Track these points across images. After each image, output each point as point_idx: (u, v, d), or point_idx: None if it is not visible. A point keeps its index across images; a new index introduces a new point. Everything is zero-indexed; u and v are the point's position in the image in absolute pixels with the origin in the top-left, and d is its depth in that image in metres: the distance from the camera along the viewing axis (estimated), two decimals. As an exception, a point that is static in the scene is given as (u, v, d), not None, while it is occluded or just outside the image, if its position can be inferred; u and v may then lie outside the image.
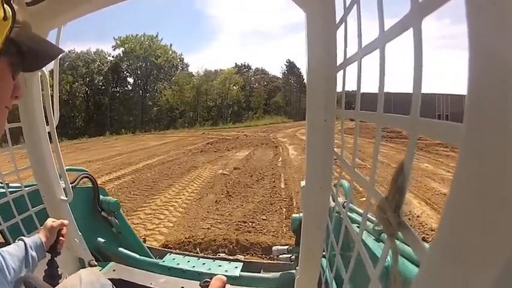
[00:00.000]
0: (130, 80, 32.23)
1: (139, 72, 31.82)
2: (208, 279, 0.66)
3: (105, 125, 28.33)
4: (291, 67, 36.00)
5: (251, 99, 33.94)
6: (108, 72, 30.44)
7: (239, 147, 13.33)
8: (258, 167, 8.84)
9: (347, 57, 0.61)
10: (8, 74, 0.53)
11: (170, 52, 32.71)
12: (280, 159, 10.20)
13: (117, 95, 31.44)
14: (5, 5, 0.45)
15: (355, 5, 0.52)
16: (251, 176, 7.63)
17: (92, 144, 18.01)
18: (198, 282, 0.68)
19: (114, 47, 31.15)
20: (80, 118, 28.83)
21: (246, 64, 36.26)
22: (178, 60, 33.82)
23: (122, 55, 31.18)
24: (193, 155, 11.57)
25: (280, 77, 36.85)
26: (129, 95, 31.69)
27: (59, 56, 1.40)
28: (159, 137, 21.13)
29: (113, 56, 31.34)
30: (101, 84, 30.70)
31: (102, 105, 30.18)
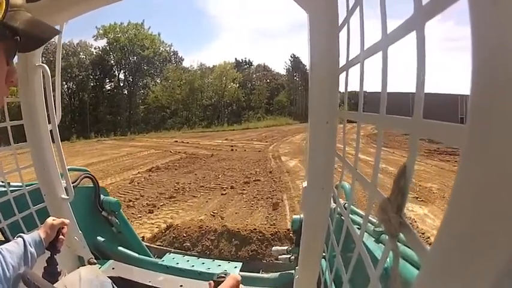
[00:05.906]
0: (116, 74, 27.27)
1: (125, 65, 26.99)
2: (223, 275, 0.65)
3: (87, 127, 24.04)
4: (296, 63, 30.79)
5: (252, 98, 29.60)
6: (89, 65, 25.90)
7: (192, 191, 6.30)
8: None
9: (349, 59, 0.61)
10: (2, 59, 0.52)
11: (158, 43, 27.93)
12: None
13: (101, 91, 26.66)
14: None
15: (358, 7, 0.53)
16: None
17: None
18: (197, 281, 0.68)
19: (96, 37, 26.27)
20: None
21: (247, 60, 31.32)
22: (172, 53, 29.05)
23: (107, 47, 26.53)
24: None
25: (284, 74, 32.07)
26: (114, 92, 26.98)
27: (60, 44, 1.41)
28: (116, 146, 14.77)
29: (95, 48, 26.67)
30: (81, 79, 25.63)
31: (84, 103, 25.56)
